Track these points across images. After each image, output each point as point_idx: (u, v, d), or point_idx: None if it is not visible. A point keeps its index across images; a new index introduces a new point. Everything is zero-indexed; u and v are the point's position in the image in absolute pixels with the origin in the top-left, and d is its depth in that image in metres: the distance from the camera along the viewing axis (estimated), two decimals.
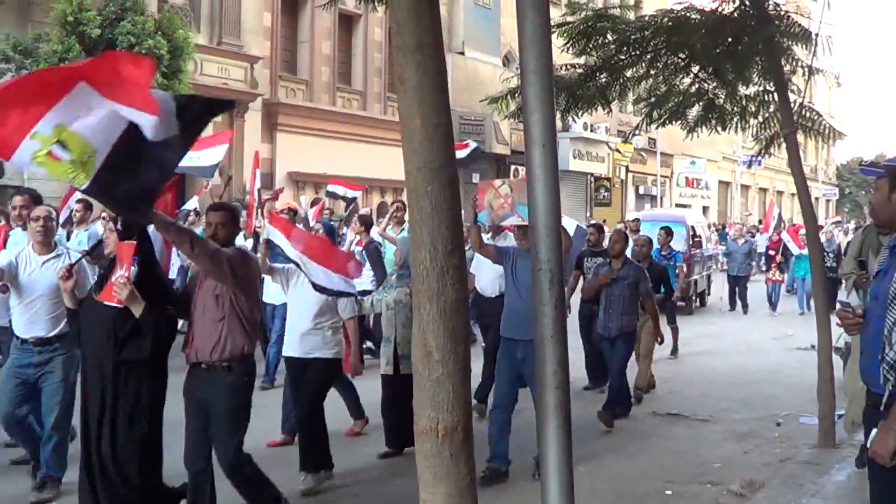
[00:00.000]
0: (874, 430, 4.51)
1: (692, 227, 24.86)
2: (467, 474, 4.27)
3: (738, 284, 24.24)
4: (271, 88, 28.67)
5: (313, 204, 19.90)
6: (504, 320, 8.88)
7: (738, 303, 24.28)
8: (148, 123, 4.57)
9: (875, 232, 7.09)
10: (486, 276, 11.44)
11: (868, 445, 4.58)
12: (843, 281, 9.09)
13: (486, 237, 11.42)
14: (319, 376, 8.22)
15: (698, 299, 25.16)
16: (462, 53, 34.79)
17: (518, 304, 8.48)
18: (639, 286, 10.83)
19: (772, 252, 24.77)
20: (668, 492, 8.02)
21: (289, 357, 8.45)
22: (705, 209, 57.10)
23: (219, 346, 6.36)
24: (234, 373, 6.42)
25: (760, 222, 36.55)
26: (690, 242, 23.63)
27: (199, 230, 11.78)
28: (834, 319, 5.51)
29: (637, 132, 12.47)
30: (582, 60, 10.45)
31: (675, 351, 16.13)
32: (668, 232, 17.69)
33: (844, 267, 8.39)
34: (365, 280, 9.28)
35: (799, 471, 8.59)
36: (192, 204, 17.13)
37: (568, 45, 9.91)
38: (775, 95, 10.14)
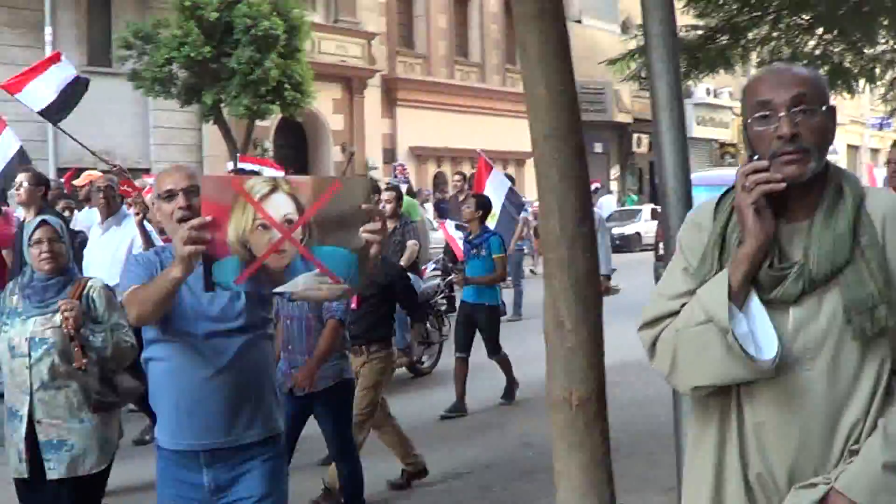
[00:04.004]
0: None
1: None
2: (602, 444, 4.22)
3: None
4: (389, 64, 28.90)
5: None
6: None
7: None
8: None
9: None
10: None
11: None
12: None
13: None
14: None
15: None
16: (579, 21, 34.49)
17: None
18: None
19: None
20: None
21: None
22: None
23: None
24: None
25: None
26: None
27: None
28: None
29: None
30: (703, 22, 10.22)
31: (509, 394, 9.77)
32: (479, 204, 9.88)
33: None
34: None
35: None
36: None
37: (688, 6, 9.70)
38: None
